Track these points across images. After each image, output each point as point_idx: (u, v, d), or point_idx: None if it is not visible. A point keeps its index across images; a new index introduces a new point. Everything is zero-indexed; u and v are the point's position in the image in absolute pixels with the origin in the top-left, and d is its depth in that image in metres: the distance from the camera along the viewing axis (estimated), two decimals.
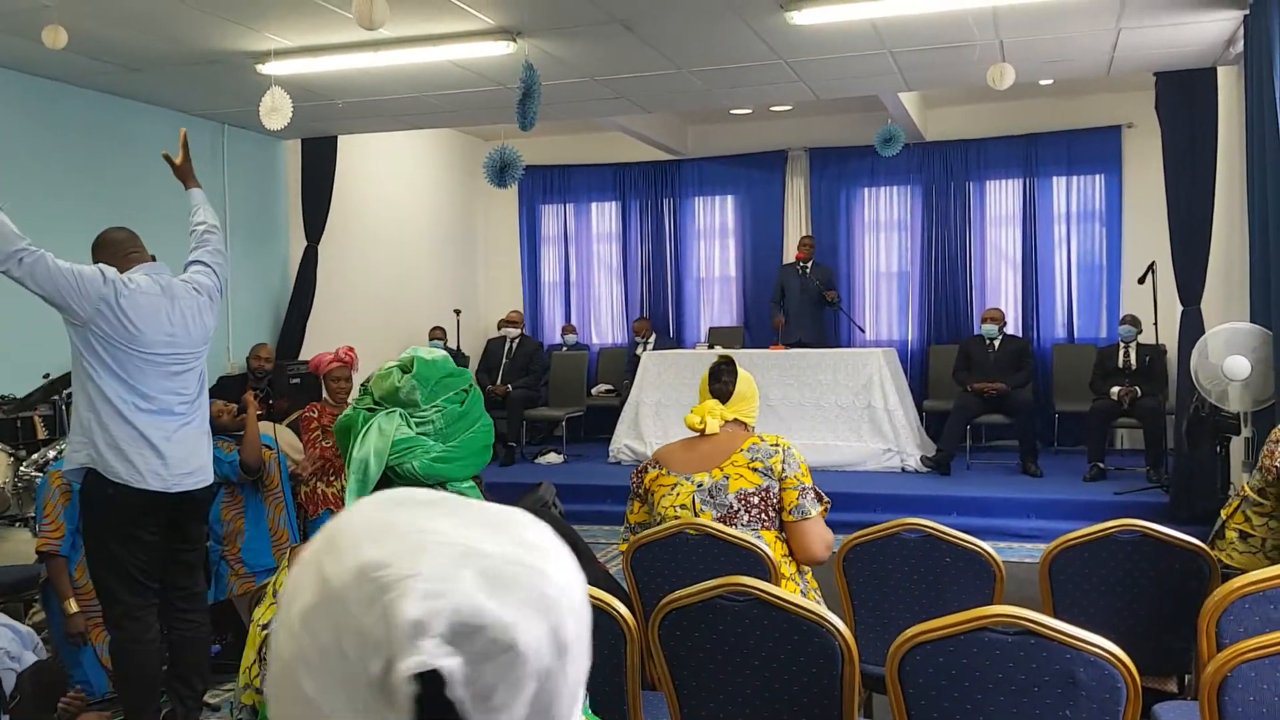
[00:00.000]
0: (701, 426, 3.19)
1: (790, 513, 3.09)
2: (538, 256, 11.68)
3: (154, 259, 3.74)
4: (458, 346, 10.17)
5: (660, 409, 8.69)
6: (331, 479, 5.32)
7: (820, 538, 3.10)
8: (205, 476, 3.67)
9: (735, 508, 3.09)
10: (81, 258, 3.62)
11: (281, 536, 5.09)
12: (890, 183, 10.48)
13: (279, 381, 7.89)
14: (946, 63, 6.84)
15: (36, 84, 6.52)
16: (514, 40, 5.88)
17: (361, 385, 1.70)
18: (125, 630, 3.53)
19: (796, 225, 10.71)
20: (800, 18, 5.66)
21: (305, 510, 5.30)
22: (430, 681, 0.60)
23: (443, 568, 0.61)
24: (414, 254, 10.44)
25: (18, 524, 4.94)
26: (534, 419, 9.64)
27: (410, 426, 1.62)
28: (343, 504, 5.24)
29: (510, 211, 11.65)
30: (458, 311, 10.24)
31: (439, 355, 1.71)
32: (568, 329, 10.90)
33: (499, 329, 10.01)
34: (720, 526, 2.97)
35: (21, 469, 4.95)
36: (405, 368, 1.67)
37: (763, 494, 3.11)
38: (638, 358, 9.44)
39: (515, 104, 5.61)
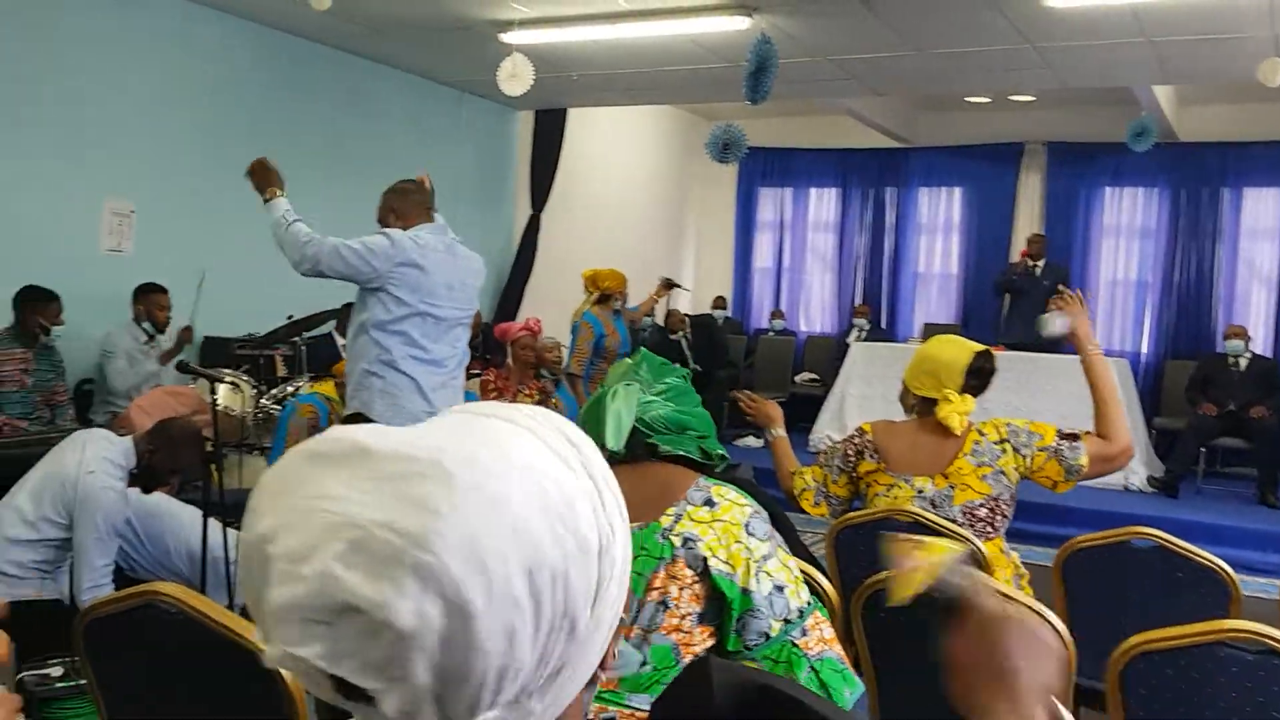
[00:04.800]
0: (960, 427, 2.95)
1: (1069, 475, 2.85)
2: (751, 239, 11.62)
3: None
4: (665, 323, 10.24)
5: (865, 402, 8.49)
6: None
7: (1106, 457, 2.87)
8: None
9: (960, 523, 2.92)
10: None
11: None
12: (1135, 184, 9.85)
13: (491, 342, 8.18)
14: (1212, 55, 6.36)
15: (292, 42, 6.97)
16: (750, 15, 5.84)
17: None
18: None
19: (1028, 223, 10.22)
20: None
21: None
22: (305, 662, 0.60)
23: (310, 542, 0.60)
24: (629, 228, 10.59)
25: (255, 452, 5.31)
26: (737, 402, 9.60)
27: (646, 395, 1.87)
28: None
29: (726, 192, 11.62)
30: (675, 285, 10.29)
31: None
32: (776, 314, 10.81)
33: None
34: (929, 515, 2.85)
35: (262, 402, 5.31)
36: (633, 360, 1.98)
37: (991, 505, 2.91)
38: (847, 345, 9.27)
39: (745, 76, 5.57)
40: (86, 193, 5.81)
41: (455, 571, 0.59)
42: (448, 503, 0.60)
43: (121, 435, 3.71)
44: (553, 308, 8.12)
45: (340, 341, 6.30)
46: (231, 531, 3.78)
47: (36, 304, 4.96)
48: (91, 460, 3.38)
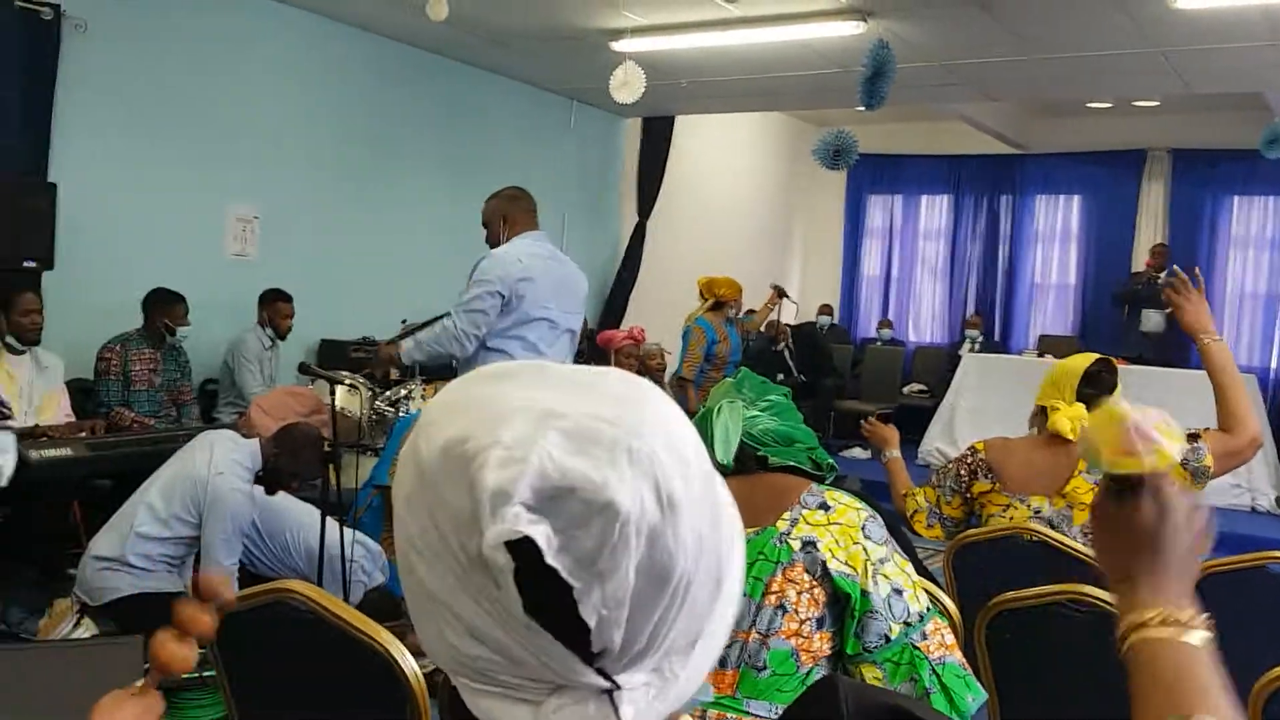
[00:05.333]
0: (1075, 434, 2.84)
1: (1196, 479, 2.68)
2: (859, 247, 11.48)
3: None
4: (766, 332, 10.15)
5: (977, 415, 8.28)
6: None
7: (1232, 451, 2.69)
8: None
9: (1080, 543, 2.82)
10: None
11: None
12: (1265, 192, 9.45)
13: (595, 349, 8.21)
14: None
15: (410, 53, 7.11)
16: (864, 20, 5.76)
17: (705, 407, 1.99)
18: None
19: (1150, 233, 9.88)
20: (1185, 1, 5.17)
21: None
22: (524, 551, 0.57)
23: (523, 432, 0.59)
24: (735, 236, 10.53)
25: (369, 453, 5.41)
26: (842, 411, 9.48)
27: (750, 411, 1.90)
28: None
29: (834, 199, 11.50)
30: (783, 295, 10.23)
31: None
32: (884, 323, 10.65)
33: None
34: (1058, 535, 2.75)
35: (377, 404, 5.41)
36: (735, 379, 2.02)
37: None
38: (958, 356, 9.07)
39: (860, 82, 5.49)
40: (212, 199, 6.01)
41: (662, 458, 0.59)
42: (641, 397, 0.63)
43: (245, 436, 3.83)
44: (658, 315, 8.14)
45: None
46: (348, 530, 3.86)
47: (163, 305, 5.14)
48: (220, 462, 3.50)
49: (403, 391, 5.36)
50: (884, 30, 5.87)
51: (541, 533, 0.58)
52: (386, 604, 4.13)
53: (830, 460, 1.89)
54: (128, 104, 5.55)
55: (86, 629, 3.60)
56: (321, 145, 6.58)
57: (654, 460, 0.59)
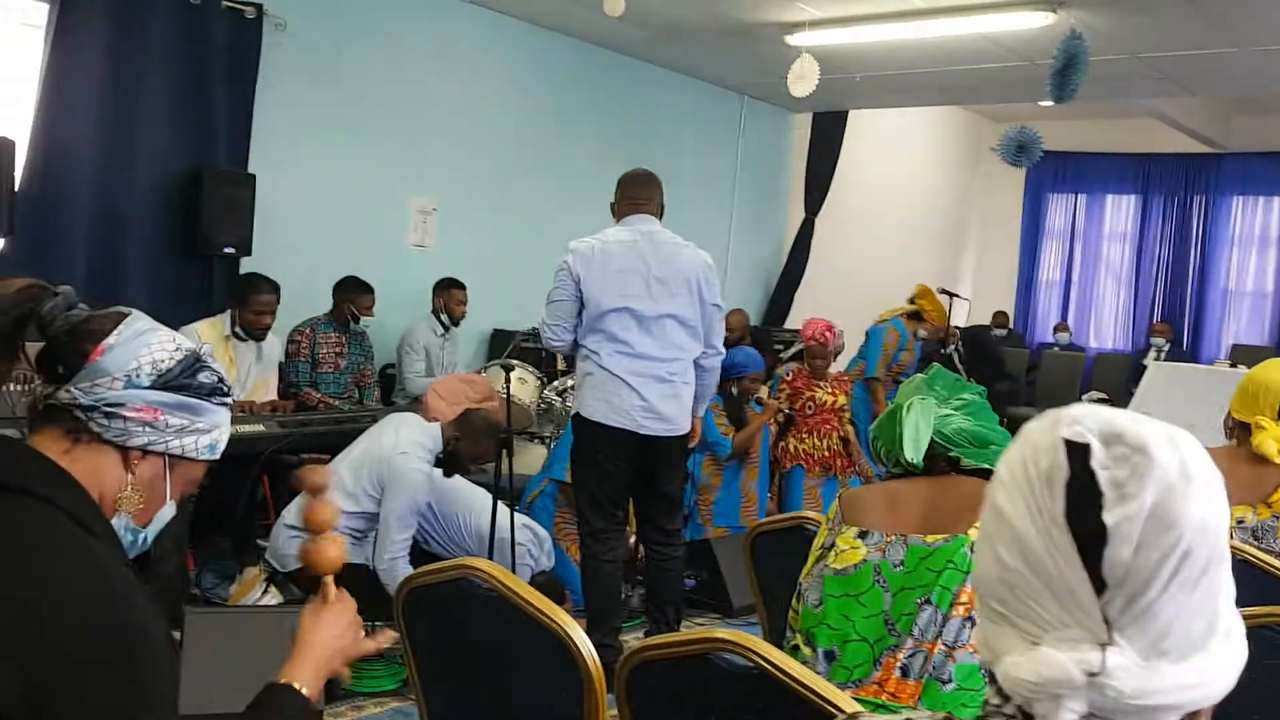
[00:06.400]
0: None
1: None
2: (1037, 248, 11.06)
3: (661, 210, 3.91)
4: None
5: None
6: (804, 435, 5.39)
7: None
8: (675, 428, 3.77)
9: None
10: (606, 215, 3.94)
11: (750, 500, 5.21)
12: None
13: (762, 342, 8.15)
14: None
15: (584, 48, 7.22)
16: (1054, 11, 5.53)
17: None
18: (590, 548, 3.82)
19: None
20: None
21: (779, 464, 5.45)
22: (1077, 461, 0.75)
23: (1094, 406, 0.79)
24: (906, 234, 10.29)
25: (536, 440, 5.52)
26: (1015, 418, 9.12)
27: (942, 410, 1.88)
28: (807, 456, 5.26)
29: (1012, 198, 11.10)
30: (951, 295, 9.95)
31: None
32: (1060, 327, 10.22)
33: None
34: (1260, 554, 2.58)
35: (544, 394, 5.52)
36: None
37: None
38: (1143, 365, 8.61)
39: (1050, 74, 5.28)
40: (396, 190, 6.25)
41: (1190, 457, 0.75)
42: (1191, 457, 0.76)
43: (426, 419, 3.96)
44: (824, 313, 8.00)
45: None
46: (518, 515, 3.95)
47: (352, 293, 5.36)
48: (405, 442, 3.63)
49: (569, 382, 5.45)
50: (1075, 21, 5.63)
51: (1094, 440, 0.75)
52: (552, 588, 4.20)
53: None
54: (321, 99, 5.82)
55: (274, 596, 3.79)
56: (497, 138, 6.76)
57: (1185, 451, 0.75)
